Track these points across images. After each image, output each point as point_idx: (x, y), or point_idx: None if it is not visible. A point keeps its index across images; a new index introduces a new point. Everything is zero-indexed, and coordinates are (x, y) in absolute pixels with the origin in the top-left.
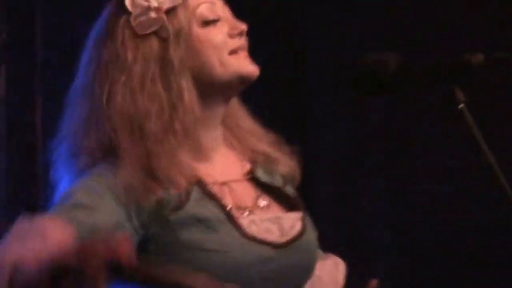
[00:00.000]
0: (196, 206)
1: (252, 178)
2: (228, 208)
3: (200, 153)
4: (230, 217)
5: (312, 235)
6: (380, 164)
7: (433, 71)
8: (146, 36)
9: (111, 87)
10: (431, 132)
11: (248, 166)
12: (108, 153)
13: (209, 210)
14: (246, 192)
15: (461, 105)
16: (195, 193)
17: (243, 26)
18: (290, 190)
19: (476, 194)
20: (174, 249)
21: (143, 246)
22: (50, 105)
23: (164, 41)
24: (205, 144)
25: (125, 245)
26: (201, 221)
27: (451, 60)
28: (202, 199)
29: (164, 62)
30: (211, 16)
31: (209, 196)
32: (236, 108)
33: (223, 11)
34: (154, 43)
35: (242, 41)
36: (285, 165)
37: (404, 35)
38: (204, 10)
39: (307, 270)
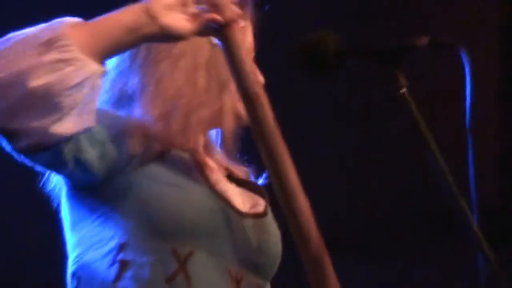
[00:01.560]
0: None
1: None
2: (198, 158)
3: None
4: (197, 163)
5: (273, 225)
6: None
7: (375, 53)
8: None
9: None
10: None
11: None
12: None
13: (178, 153)
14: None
15: (403, 90)
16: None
17: None
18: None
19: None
20: (131, 175)
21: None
22: None
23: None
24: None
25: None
26: (165, 159)
27: (395, 42)
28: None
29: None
30: None
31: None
32: None
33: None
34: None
35: None
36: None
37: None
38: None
39: (261, 253)
